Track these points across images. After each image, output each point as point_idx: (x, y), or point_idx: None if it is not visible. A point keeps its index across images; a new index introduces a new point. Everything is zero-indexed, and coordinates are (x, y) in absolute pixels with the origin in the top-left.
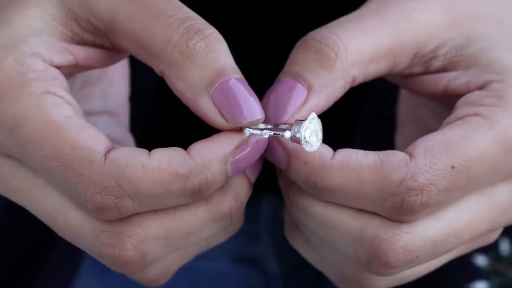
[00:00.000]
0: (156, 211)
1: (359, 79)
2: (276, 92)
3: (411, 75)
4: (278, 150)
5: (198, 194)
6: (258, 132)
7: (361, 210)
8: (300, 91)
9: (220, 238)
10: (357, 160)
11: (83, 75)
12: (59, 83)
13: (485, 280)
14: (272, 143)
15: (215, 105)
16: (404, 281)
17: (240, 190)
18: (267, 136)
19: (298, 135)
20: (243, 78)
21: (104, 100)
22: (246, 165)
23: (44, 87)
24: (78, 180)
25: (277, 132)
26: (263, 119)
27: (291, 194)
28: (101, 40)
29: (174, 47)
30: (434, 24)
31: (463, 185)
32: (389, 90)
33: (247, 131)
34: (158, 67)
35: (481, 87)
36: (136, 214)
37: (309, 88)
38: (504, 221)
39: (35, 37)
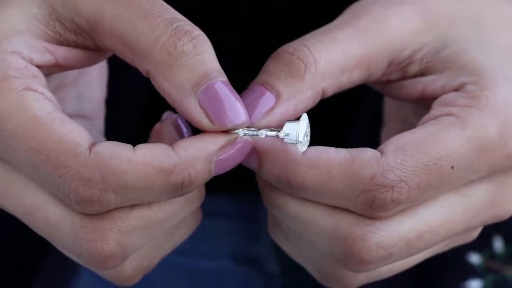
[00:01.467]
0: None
1: (330, 90)
2: (244, 98)
3: (389, 82)
4: (247, 149)
5: (179, 190)
6: (252, 133)
7: (335, 207)
8: (268, 98)
9: (187, 229)
10: (327, 157)
11: (58, 77)
12: (39, 80)
13: (479, 278)
14: (238, 143)
15: (201, 107)
16: (382, 277)
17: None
18: (263, 136)
19: (292, 136)
20: (228, 81)
21: (78, 103)
22: (230, 164)
23: (25, 84)
24: (63, 173)
25: (273, 132)
26: (247, 122)
27: (267, 192)
28: (84, 40)
29: (161, 48)
30: (409, 30)
31: (435, 183)
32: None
33: (241, 132)
34: (144, 67)
35: (456, 89)
36: (116, 208)
37: (278, 96)
38: (481, 220)
39: (15, 36)
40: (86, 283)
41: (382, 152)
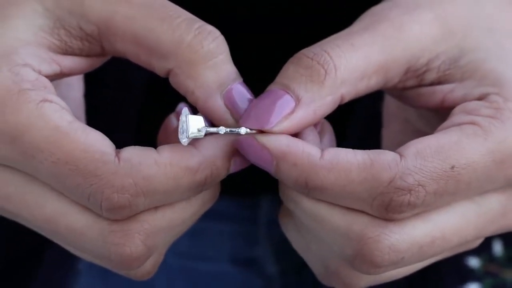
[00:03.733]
0: (157, 206)
1: (349, 97)
2: (263, 100)
3: (405, 89)
4: (264, 154)
5: (201, 187)
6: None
7: (350, 208)
8: (287, 101)
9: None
10: (346, 160)
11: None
12: (51, 91)
13: (478, 282)
14: (257, 148)
15: (227, 106)
16: (385, 281)
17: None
18: (222, 132)
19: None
20: (245, 85)
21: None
22: (246, 163)
23: (41, 96)
24: (94, 182)
25: (233, 130)
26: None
27: (283, 187)
28: (90, 46)
29: (187, 47)
30: (427, 37)
31: (452, 190)
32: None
33: (222, 130)
34: (164, 67)
35: (478, 99)
36: (141, 211)
37: (297, 100)
38: (492, 229)
39: (24, 48)
40: (86, 283)
41: (401, 155)
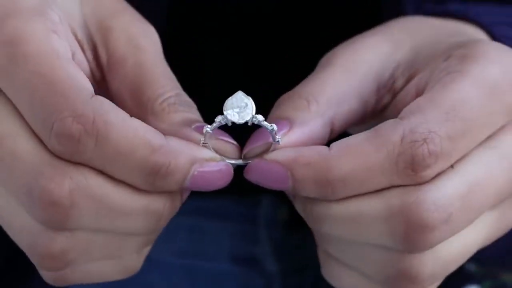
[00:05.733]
0: (103, 172)
1: (338, 120)
2: (260, 130)
3: (385, 107)
4: (275, 169)
5: (153, 176)
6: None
7: (379, 191)
8: (282, 124)
9: (124, 263)
10: (353, 142)
11: None
12: (67, 36)
13: (477, 284)
14: (266, 167)
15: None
16: (448, 268)
17: (175, 199)
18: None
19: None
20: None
21: None
22: (207, 183)
23: (54, 29)
24: (59, 102)
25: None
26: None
27: (309, 209)
28: (95, 69)
29: (164, 101)
30: (381, 55)
31: (461, 130)
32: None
33: (206, 129)
34: (138, 111)
35: (444, 62)
36: (85, 165)
37: (291, 123)
38: None
39: (59, 10)
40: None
41: (400, 118)
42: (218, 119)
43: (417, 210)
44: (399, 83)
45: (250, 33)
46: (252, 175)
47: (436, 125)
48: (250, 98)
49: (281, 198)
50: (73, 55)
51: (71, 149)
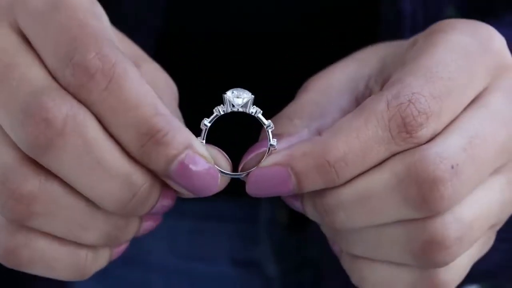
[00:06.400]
0: (100, 122)
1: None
2: (248, 149)
3: None
4: (275, 170)
5: (147, 139)
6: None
7: (380, 163)
8: (271, 139)
9: (94, 230)
10: (342, 122)
11: None
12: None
13: (477, 284)
14: (266, 173)
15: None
16: (473, 231)
17: (155, 187)
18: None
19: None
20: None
21: None
22: (191, 179)
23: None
24: (89, 40)
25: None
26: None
27: (319, 203)
28: None
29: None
30: (352, 73)
31: (444, 90)
32: None
33: (204, 121)
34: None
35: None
36: (88, 108)
37: (280, 135)
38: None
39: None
40: (85, 283)
41: (380, 91)
42: (217, 109)
43: (422, 167)
44: (376, 90)
45: (249, 33)
46: (254, 187)
47: (418, 87)
48: (250, 92)
49: (280, 200)
50: None
51: (83, 81)
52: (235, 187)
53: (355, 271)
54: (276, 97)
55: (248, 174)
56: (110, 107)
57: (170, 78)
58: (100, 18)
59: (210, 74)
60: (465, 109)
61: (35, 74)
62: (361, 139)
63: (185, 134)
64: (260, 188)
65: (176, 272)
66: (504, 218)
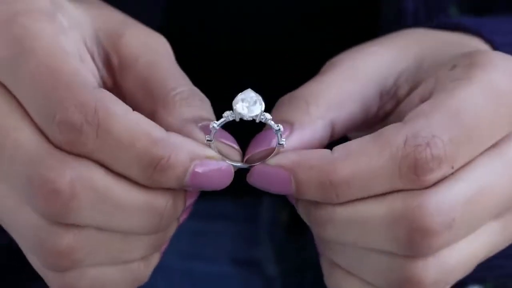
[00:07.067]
0: (103, 165)
1: (339, 124)
2: (261, 134)
3: (387, 114)
4: (278, 173)
5: (152, 169)
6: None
7: (382, 194)
8: (283, 129)
9: (130, 271)
10: (356, 144)
11: None
12: (76, 40)
13: (479, 284)
14: (269, 172)
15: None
16: (452, 276)
17: (178, 199)
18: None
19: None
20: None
21: None
22: (206, 181)
23: (63, 32)
24: (63, 92)
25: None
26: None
27: (312, 212)
28: (107, 75)
29: (177, 94)
30: (385, 62)
31: (464, 135)
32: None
33: (213, 124)
34: (152, 107)
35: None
36: (86, 157)
37: (291, 126)
38: None
39: (68, 18)
40: None
41: (403, 123)
42: (226, 114)
43: (420, 214)
44: (403, 91)
45: (249, 33)
46: (254, 180)
47: (439, 130)
48: (260, 96)
49: (281, 200)
50: (81, 59)
51: (72, 138)
52: (237, 187)
53: (332, 277)
54: (276, 96)
55: (252, 166)
56: (108, 152)
57: (161, 36)
58: (69, 53)
59: (210, 73)
60: (480, 154)
61: (28, 138)
62: (370, 167)
63: (187, 146)
64: (260, 181)
65: (177, 271)
66: (492, 254)
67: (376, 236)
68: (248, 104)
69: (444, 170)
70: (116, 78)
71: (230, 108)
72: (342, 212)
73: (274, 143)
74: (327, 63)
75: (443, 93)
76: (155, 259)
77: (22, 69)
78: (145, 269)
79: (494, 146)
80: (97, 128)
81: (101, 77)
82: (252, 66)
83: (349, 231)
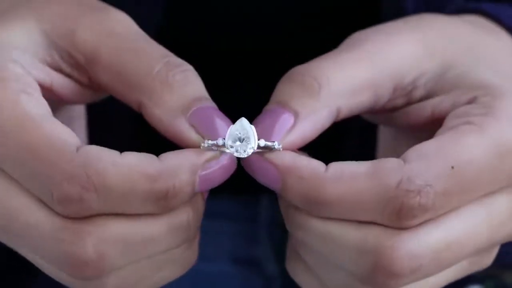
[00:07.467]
0: (117, 214)
1: (345, 111)
2: (262, 120)
3: (395, 108)
4: (270, 170)
5: (163, 201)
6: (211, 144)
7: (361, 222)
8: (287, 118)
9: (175, 267)
10: (350, 170)
11: (65, 111)
12: (35, 88)
13: (479, 284)
14: (263, 164)
15: (190, 125)
16: None
17: (198, 202)
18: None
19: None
20: (217, 108)
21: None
22: (214, 182)
23: (21, 88)
24: (48, 169)
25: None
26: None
27: (291, 212)
28: (79, 75)
29: (155, 77)
30: (409, 56)
31: (459, 189)
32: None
33: (205, 143)
34: (136, 99)
35: (468, 103)
36: (97, 215)
37: (296, 115)
38: (503, 233)
39: (18, 50)
40: None
41: (404, 160)
42: (219, 142)
43: (389, 255)
44: (418, 93)
45: (249, 33)
46: (247, 167)
47: (436, 180)
48: (253, 128)
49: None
50: (51, 85)
51: (76, 209)
52: (236, 185)
53: (293, 265)
54: None
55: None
56: (114, 204)
57: (117, 12)
58: (38, 116)
59: (210, 73)
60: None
61: (37, 216)
62: (357, 196)
63: (185, 164)
64: (251, 169)
65: None
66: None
67: (343, 257)
68: (240, 142)
69: (428, 216)
70: (90, 75)
71: (230, 108)
72: (318, 225)
73: (280, 128)
74: (349, 39)
75: (451, 134)
76: (197, 240)
77: (2, 151)
78: (192, 253)
79: (483, 196)
80: (95, 190)
81: (77, 81)
82: (252, 66)
83: (320, 243)
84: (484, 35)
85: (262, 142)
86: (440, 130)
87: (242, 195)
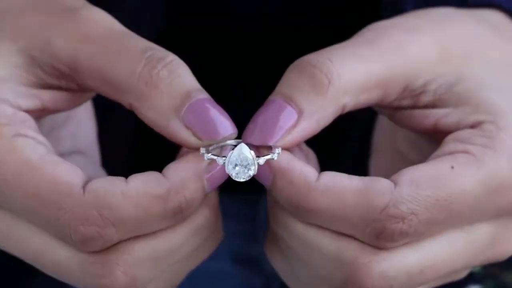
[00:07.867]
0: (138, 235)
1: (350, 107)
2: (265, 113)
3: (399, 108)
4: (263, 168)
5: (179, 214)
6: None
7: (341, 233)
8: (290, 114)
9: (206, 251)
10: (341, 184)
11: (49, 119)
12: (28, 125)
13: (479, 284)
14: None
15: (187, 127)
16: None
17: (211, 198)
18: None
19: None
20: (210, 97)
21: (73, 141)
22: (222, 179)
23: (15, 130)
24: (60, 215)
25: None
26: (235, 134)
27: (276, 210)
28: (67, 83)
29: (139, 79)
30: (426, 59)
31: (444, 219)
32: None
33: (206, 157)
34: (126, 101)
35: (472, 126)
36: (120, 241)
37: (300, 112)
38: (480, 260)
39: (0, 84)
40: None
41: (395, 183)
42: (219, 160)
43: (363, 272)
44: (426, 98)
45: (249, 32)
46: None
47: (422, 208)
48: (253, 153)
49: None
50: (43, 106)
51: (98, 245)
52: (236, 184)
53: (270, 246)
54: None
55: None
56: (133, 231)
57: (90, 9)
58: (38, 160)
59: (210, 73)
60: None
61: (63, 255)
62: (342, 212)
63: (190, 175)
64: None
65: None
66: None
67: (318, 262)
68: (240, 168)
69: (407, 240)
70: (78, 82)
71: (230, 108)
72: (300, 228)
73: (283, 124)
74: (367, 30)
75: (448, 163)
76: (219, 225)
77: (12, 200)
78: (218, 232)
79: (466, 223)
80: (112, 225)
81: (68, 90)
82: (252, 66)
83: (299, 245)
84: (500, 42)
85: (262, 161)
86: (438, 151)
87: (242, 195)
